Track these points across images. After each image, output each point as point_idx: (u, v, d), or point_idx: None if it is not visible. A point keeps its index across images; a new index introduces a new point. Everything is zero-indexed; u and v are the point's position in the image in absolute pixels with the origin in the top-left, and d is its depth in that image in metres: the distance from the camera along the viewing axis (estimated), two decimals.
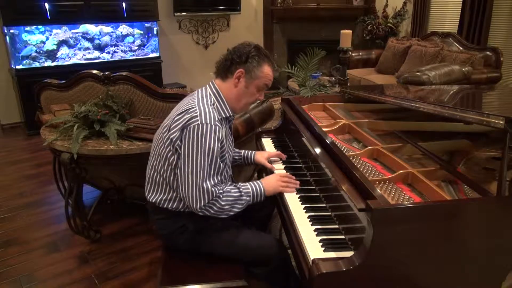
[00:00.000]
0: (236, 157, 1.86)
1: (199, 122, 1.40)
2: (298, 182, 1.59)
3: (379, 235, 1.05)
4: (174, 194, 1.53)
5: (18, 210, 2.87)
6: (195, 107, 1.45)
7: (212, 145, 1.40)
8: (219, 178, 1.46)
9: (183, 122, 1.43)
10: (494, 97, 2.06)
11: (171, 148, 1.46)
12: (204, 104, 1.47)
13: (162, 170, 1.52)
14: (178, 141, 1.44)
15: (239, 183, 1.53)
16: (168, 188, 1.53)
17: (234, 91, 1.54)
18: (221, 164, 1.48)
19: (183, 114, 1.46)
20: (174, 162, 1.47)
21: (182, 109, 1.49)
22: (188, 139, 1.40)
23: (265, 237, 1.59)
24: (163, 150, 1.49)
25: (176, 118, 1.47)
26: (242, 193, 1.48)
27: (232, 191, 1.47)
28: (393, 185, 1.37)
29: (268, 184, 1.55)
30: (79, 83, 2.54)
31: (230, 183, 1.55)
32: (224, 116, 1.54)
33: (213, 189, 1.41)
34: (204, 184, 1.40)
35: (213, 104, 1.51)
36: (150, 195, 1.60)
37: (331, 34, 5.84)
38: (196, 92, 1.57)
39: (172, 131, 1.46)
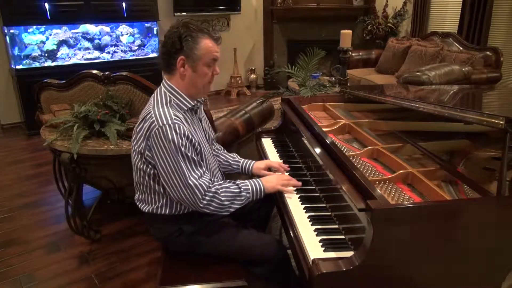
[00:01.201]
0: (234, 166, 1.82)
1: (157, 126, 1.38)
2: (299, 183, 1.58)
3: (379, 235, 1.05)
4: (164, 200, 1.52)
5: (18, 210, 2.87)
6: (150, 112, 1.42)
7: (177, 144, 1.37)
8: (201, 170, 1.43)
9: (144, 132, 1.41)
10: (494, 97, 2.06)
11: (144, 161, 1.46)
12: (159, 106, 1.43)
13: (145, 182, 1.51)
14: (147, 152, 1.43)
15: (238, 180, 1.53)
16: (157, 196, 1.52)
17: (185, 81, 1.47)
18: (196, 157, 1.43)
19: (142, 124, 1.44)
20: (152, 172, 1.46)
21: (141, 117, 1.47)
22: (155, 146, 1.39)
23: (263, 236, 1.59)
24: (139, 163, 1.48)
25: (138, 129, 1.46)
26: (242, 190, 1.48)
27: (231, 187, 1.47)
28: (393, 185, 1.37)
29: (267, 181, 1.55)
30: (79, 83, 2.54)
31: (228, 180, 1.54)
32: (186, 108, 1.50)
33: (200, 181, 1.40)
34: (190, 181, 1.39)
35: (170, 102, 1.46)
36: (142, 205, 1.58)
37: (331, 34, 5.84)
38: (152, 95, 1.53)
39: (138, 143, 1.45)
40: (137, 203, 1.61)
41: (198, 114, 1.61)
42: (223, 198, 1.43)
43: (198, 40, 1.42)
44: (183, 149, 1.38)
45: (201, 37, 1.43)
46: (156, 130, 1.38)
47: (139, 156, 1.46)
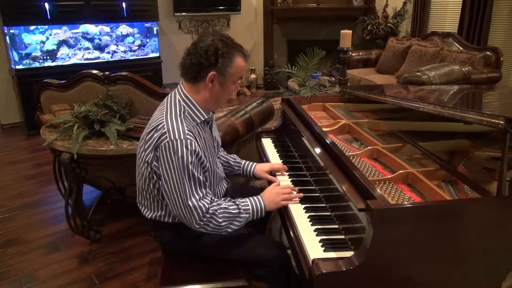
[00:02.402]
0: (235, 168, 1.80)
1: (168, 139, 1.34)
2: (301, 194, 1.53)
3: (379, 235, 1.05)
4: (168, 210, 1.50)
5: (18, 210, 2.87)
6: (163, 122, 1.38)
7: (186, 161, 1.33)
8: (204, 190, 1.39)
9: (154, 142, 1.37)
10: (494, 97, 2.06)
11: (150, 170, 1.43)
12: (172, 117, 1.39)
13: (149, 189, 1.49)
14: (154, 162, 1.40)
15: (238, 199, 1.47)
16: (161, 204, 1.51)
17: (210, 95, 1.44)
18: (202, 176, 1.40)
19: (153, 133, 1.39)
20: (157, 184, 1.44)
21: (152, 126, 1.42)
22: (162, 159, 1.35)
23: (265, 239, 1.58)
24: (144, 171, 1.46)
25: (147, 138, 1.41)
26: (241, 210, 1.43)
27: (230, 207, 1.42)
28: (393, 185, 1.37)
29: (268, 199, 1.48)
30: (79, 83, 2.54)
31: (229, 199, 1.49)
32: (199, 121, 1.46)
33: (200, 203, 1.36)
34: (190, 202, 1.35)
35: (184, 113, 1.42)
36: (145, 211, 1.56)
37: (331, 34, 5.84)
38: (165, 100, 1.48)
39: (146, 152, 1.41)
40: (139, 206, 1.59)
41: (210, 125, 1.58)
42: (220, 220, 1.38)
43: (232, 58, 1.40)
44: (190, 167, 1.34)
45: (235, 54, 1.41)
46: (166, 143, 1.34)
47: (146, 165, 1.43)
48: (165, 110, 1.43)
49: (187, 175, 1.34)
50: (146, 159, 1.42)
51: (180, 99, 1.45)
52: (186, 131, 1.36)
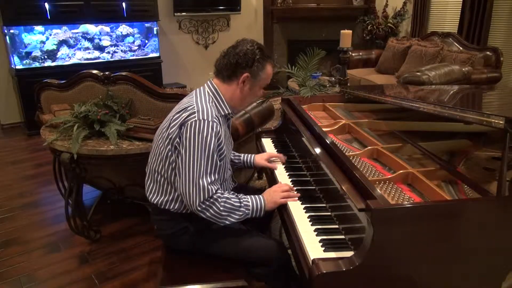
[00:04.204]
0: (236, 161, 1.85)
1: (196, 118, 1.42)
2: (298, 194, 1.55)
3: (379, 235, 1.05)
4: (176, 195, 1.52)
5: (18, 210, 2.87)
6: (193, 104, 1.47)
7: (209, 142, 1.40)
8: (216, 176, 1.45)
9: (182, 120, 1.44)
10: (494, 97, 2.06)
11: (170, 147, 1.47)
12: (202, 102, 1.48)
13: (163, 171, 1.51)
14: (177, 139, 1.45)
15: (241, 194, 1.51)
16: (170, 188, 1.53)
17: (238, 94, 1.55)
18: (219, 162, 1.48)
19: (181, 112, 1.47)
20: (174, 162, 1.47)
21: (180, 107, 1.50)
22: (186, 135, 1.41)
23: (265, 239, 1.58)
24: (163, 150, 1.49)
25: (175, 117, 1.48)
26: (242, 205, 1.46)
27: (233, 199, 1.46)
28: (393, 185, 1.37)
29: (268, 198, 1.51)
30: (79, 83, 2.54)
31: (232, 192, 1.52)
32: (222, 113, 1.55)
33: (209, 186, 1.41)
34: (201, 181, 1.39)
35: (212, 102, 1.52)
36: (151, 195, 1.59)
37: (331, 34, 5.84)
38: (194, 91, 1.58)
39: (171, 129, 1.47)
40: (147, 194, 1.62)
41: (228, 122, 1.66)
42: (221, 208, 1.42)
43: (265, 65, 1.55)
44: (212, 148, 1.41)
45: (268, 62, 1.56)
46: (194, 122, 1.41)
47: (167, 141, 1.47)
48: (194, 96, 1.53)
49: (206, 155, 1.41)
50: (170, 135, 1.47)
51: (209, 91, 1.56)
52: (214, 115, 1.46)
